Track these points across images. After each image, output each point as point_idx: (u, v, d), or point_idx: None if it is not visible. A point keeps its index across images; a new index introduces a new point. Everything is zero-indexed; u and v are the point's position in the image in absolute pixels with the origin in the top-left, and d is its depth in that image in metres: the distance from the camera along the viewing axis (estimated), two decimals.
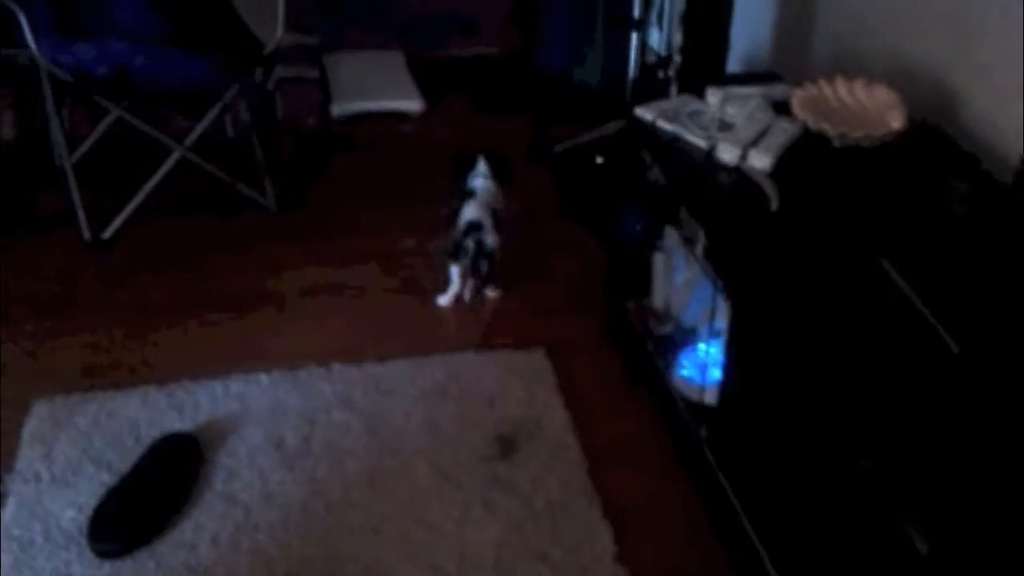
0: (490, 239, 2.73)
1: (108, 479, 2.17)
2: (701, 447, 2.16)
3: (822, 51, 2.76)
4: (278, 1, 2.92)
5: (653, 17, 3.41)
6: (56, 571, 1.98)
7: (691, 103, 2.34)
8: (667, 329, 2.51)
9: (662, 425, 2.36)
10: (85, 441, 2.28)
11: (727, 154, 2.12)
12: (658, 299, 2.56)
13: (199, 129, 2.96)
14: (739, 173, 2.11)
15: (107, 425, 2.32)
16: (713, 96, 2.32)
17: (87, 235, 2.95)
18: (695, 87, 2.40)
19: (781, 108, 2.24)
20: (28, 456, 2.24)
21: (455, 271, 2.78)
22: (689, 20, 2.91)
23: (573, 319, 2.76)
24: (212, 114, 2.96)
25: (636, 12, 3.33)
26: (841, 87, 2.28)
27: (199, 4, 3.04)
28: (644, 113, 2.32)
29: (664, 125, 2.28)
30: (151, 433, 2.29)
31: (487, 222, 2.72)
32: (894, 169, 2.03)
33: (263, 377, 2.48)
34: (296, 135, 3.62)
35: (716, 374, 2.28)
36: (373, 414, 2.39)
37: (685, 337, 2.44)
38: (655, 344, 2.47)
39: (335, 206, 3.28)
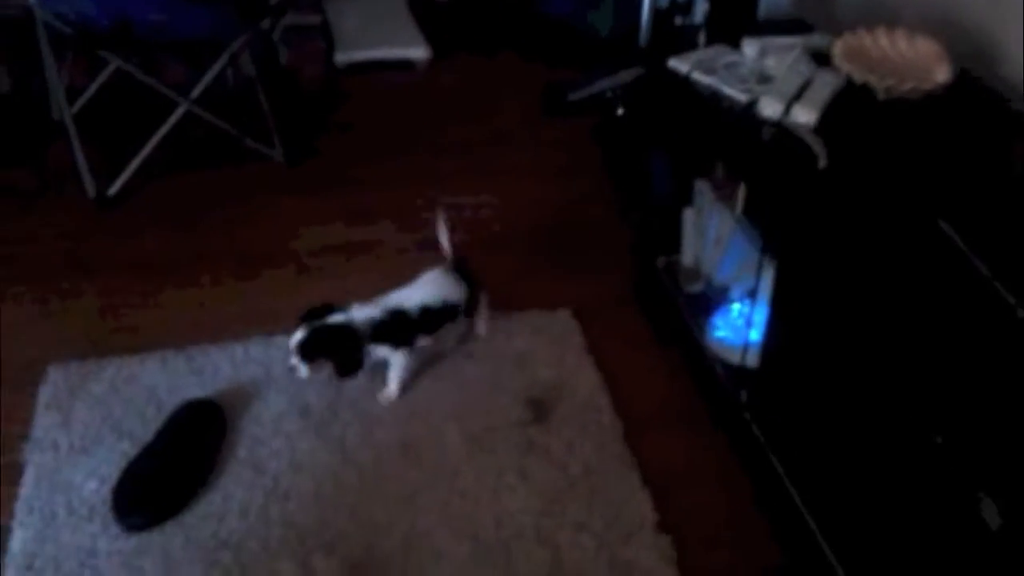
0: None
1: (129, 448, 2.10)
2: (740, 411, 2.11)
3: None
4: None
5: None
6: (81, 546, 1.91)
7: (726, 54, 2.25)
8: (698, 287, 2.44)
9: (696, 388, 2.30)
10: (103, 408, 2.20)
11: (769, 108, 2.04)
12: (688, 256, 2.49)
13: (205, 81, 2.85)
14: (781, 128, 2.03)
15: (125, 391, 2.25)
16: (750, 47, 2.23)
17: (92, 192, 2.85)
18: (727, 37, 2.31)
19: (820, 59, 2.16)
20: (44, 424, 2.16)
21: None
22: None
23: (598, 278, 2.69)
24: (218, 66, 2.85)
25: None
26: (883, 37, 2.19)
27: None
28: (678, 64, 2.23)
29: (700, 78, 2.19)
30: (171, 399, 2.22)
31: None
32: (944, 124, 1.96)
33: (283, 340, 2.38)
34: (300, 85, 3.50)
35: (754, 335, 2.22)
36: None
37: (718, 296, 2.38)
38: (687, 304, 2.41)
39: (344, 159, 3.18)
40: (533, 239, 2.84)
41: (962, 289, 1.49)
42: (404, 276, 2.61)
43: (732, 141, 2.10)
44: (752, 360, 2.14)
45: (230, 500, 2.01)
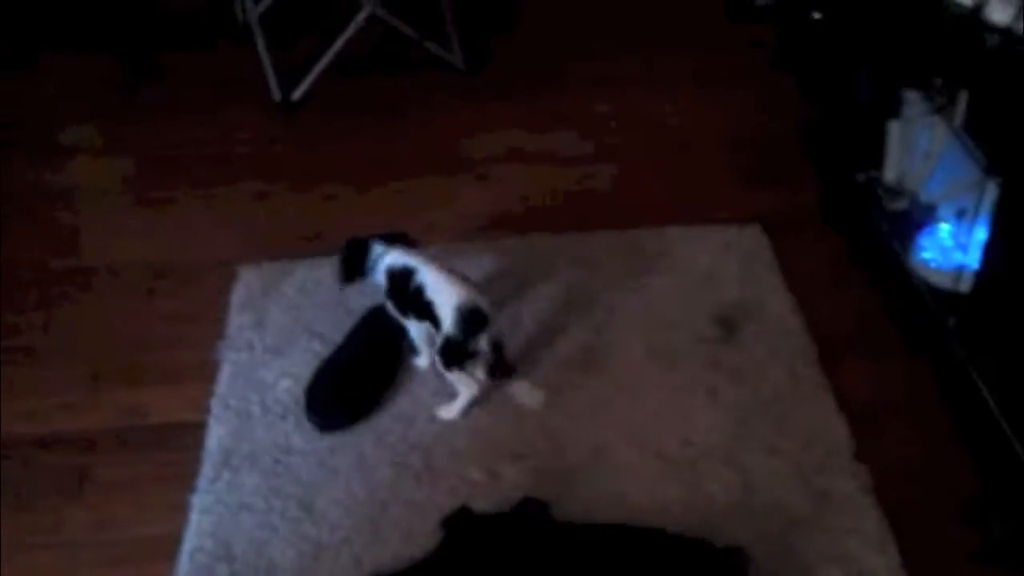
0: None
1: (320, 349, 2.14)
2: (948, 338, 1.99)
3: None
4: None
5: None
6: (276, 443, 1.96)
7: None
8: (902, 205, 2.30)
9: (895, 311, 2.18)
10: (295, 309, 2.24)
11: (999, 13, 1.86)
12: (891, 172, 2.34)
13: None
14: (1011, 35, 1.85)
15: (315, 293, 2.28)
16: None
17: (277, 95, 2.87)
18: None
19: None
20: (239, 324, 2.22)
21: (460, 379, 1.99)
22: None
23: (786, 191, 2.57)
24: None
25: None
26: None
27: None
28: None
29: None
30: (359, 303, 2.23)
31: (480, 294, 1.95)
32: None
33: (466, 246, 2.39)
34: None
35: (963, 258, 2.08)
36: (580, 288, 2.28)
37: (924, 215, 2.24)
38: (888, 222, 2.27)
39: (524, 62, 3.12)
40: (717, 149, 2.73)
41: None
42: (589, 185, 2.57)
43: (954, 48, 1.94)
44: (964, 285, 2.00)
45: (419, 404, 2.02)
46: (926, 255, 2.14)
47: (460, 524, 1.71)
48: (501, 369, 1.97)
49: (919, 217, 2.24)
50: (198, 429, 1.99)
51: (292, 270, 2.35)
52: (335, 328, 2.18)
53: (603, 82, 2.98)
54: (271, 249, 2.42)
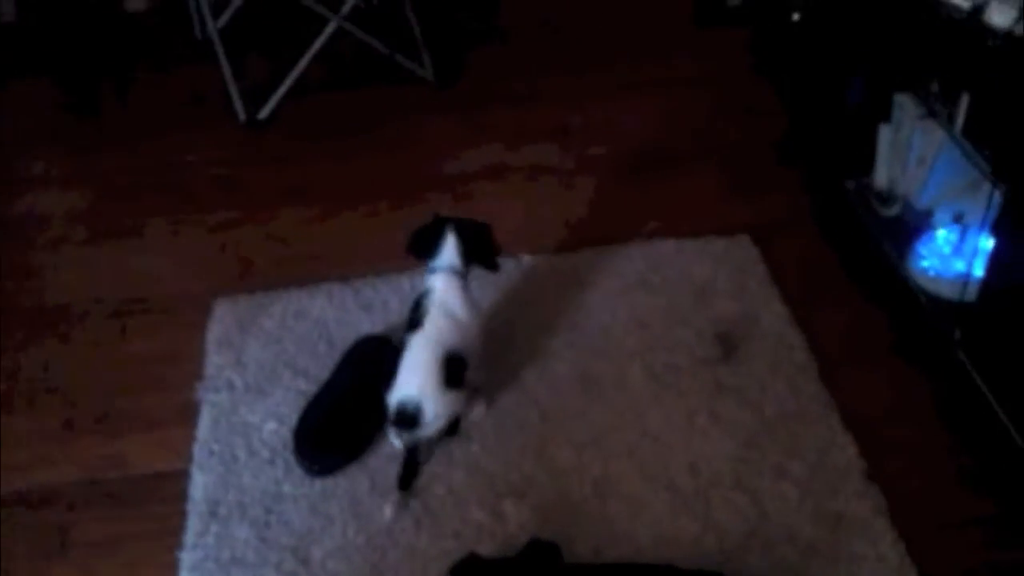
0: (429, 426, 1.84)
1: (305, 386, 2.05)
2: (953, 349, 1.94)
3: None
4: None
5: None
6: (265, 490, 1.87)
7: None
8: (893, 211, 2.26)
9: (895, 322, 2.14)
10: (275, 344, 2.15)
11: (999, 16, 1.82)
12: (882, 178, 2.30)
13: None
14: (1012, 39, 1.81)
15: (296, 327, 2.19)
16: None
17: (242, 115, 2.77)
18: None
19: None
20: (217, 363, 2.12)
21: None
22: None
23: (772, 200, 2.52)
24: None
25: None
26: None
27: None
28: None
29: None
30: (342, 335, 2.15)
31: (432, 397, 1.83)
32: None
33: None
34: None
35: (964, 266, 2.04)
36: (573, 310, 2.21)
37: (918, 221, 2.20)
38: (882, 230, 2.22)
39: (497, 76, 3.03)
40: (698, 158, 2.67)
41: None
42: (571, 201, 2.50)
43: (954, 52, 1.89)
44: (968, 294, 1.96)
45: None
46: (925, 263, 2.10)
47: (468, 572, 1.63)
48: (403, 480, 1.83)
49: (914, 223, 2.20)
50: (182, 478, 1.89)
51: (269, 303, 2.25)
52: (319, 364, 2.09)
53: (577, 95, 2.91)
54: (245, 280, 2.32)
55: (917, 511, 1.79)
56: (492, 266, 1.99)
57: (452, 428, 1.91)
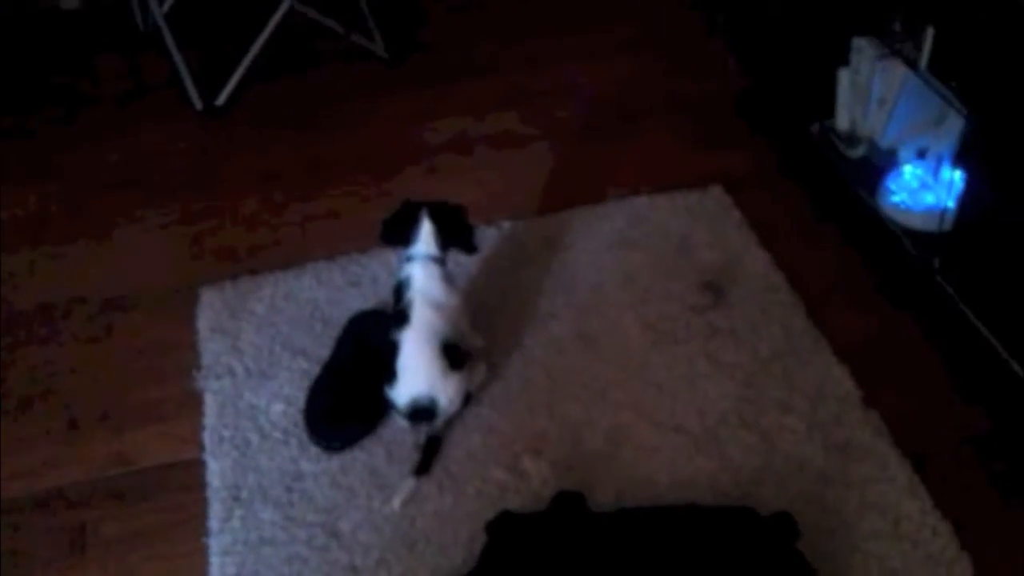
0: (444, 413, 1.88)
1: (307, 366, 2.05)
2: (933, 277, 2.02)
3: None
4: None
5: None
6: (284, 470, 1.87)
7: None
8: (859, 152, 2.34)
9: (873, 256, 2.22)
10: (269, 328, 2.14)
11: None
12: (844, 121, 2.38)
13: None
14: None
15: (287, 309, 2.18)
16: None
17: (199, 103, 2.73)
18: None
19: None
20: (213, 350, 2.10)
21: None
22: None
23: (736, 150, 2.58)
24: None
25: None
26: None
27: None
28: None
29: None
30: (336, 313, 2.15)
31: (442, 388, 1.85)
32: None
33: None
34: None
35: (934, 198, 2.13)
36: (561, 270, 2.24)
37: (883, 160, 2.28)
38: (850, 170, 2.30)
39: (448, 47, 3.04)
40: (659, 116, 2.72)
41: None
42: (541, 166, 2.53)
43: None
44: (944, 224, 2.04)
45: None
46: (896, 199, 2.18)
47: (503, 528, 1.66)
48: (422, 465, 1.84)
49: (880, 162, 2.28)
50: (196, 467, 1.89)
51: (256, 288, 2.24)
52: (316, 342, 2.10)
53: (532, 61, 2.93)
54: (227, 267, 2.30)
55: (917, 432, 1.87)
56: (470, 248, 1.98)
57: (464, 401, 1.93)
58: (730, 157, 2.54)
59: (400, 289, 1.91)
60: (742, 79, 2.77)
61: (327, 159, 2.62)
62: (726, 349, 2.05)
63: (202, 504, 1.82)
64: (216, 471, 1.88)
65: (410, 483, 1.82)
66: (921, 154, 2.21)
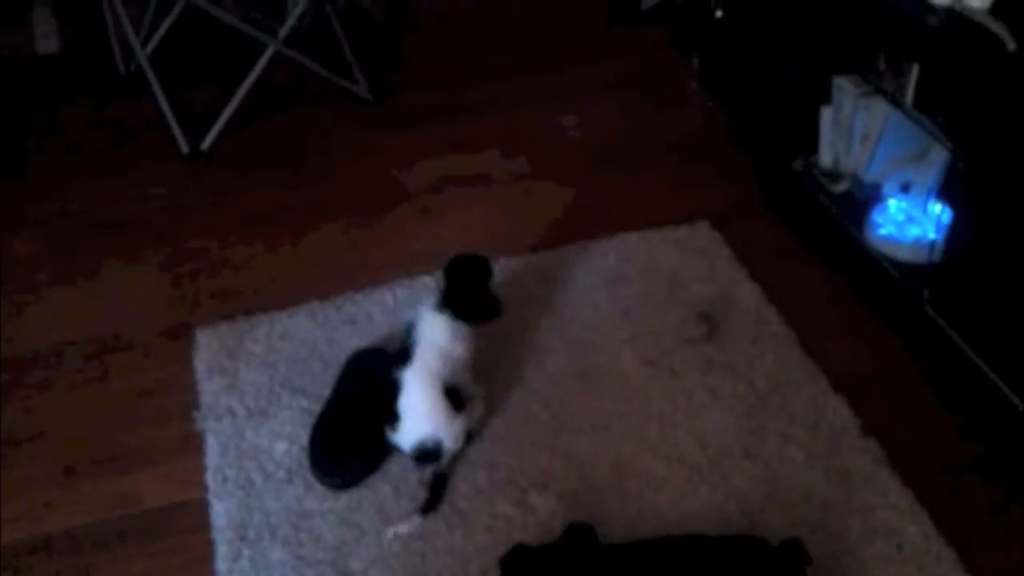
0: (449, 453, 1.89)
1: (308, 405, 2.04)
2: (923, 308, 2.07)
3: None
4: None
5: None
6: (290, 509, 1.86)
7: None
8: (842, 187, 2.40)
9: (862, 288, 2.27)
10: (268, 367, 2.14)
11: None
12: (827, 156, 2.44)
13: (292, 19, 2.73)
14: (953, 13, 1.96)
15: (284, 348, 2.18)
16: None
17: (185, 147, 2.73)
18: None
19: None
20: (212, 390, 2.09)
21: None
22: None
23: (718, 187, 2.64)
24: (304, 3, 2.72)
25: None
26: None
27: None
28: None
29: None
30: (334, 352, 2.16)
31: (447, 430, 1.87)
32: None
33: (427, 280, 2.33)
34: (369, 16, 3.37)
35: (920, 230, 2.19)
36: (556, 307, 2.27)
37: (867, 194, 2.34)
38: (835, 205, 2.36)
39: (427, 91, 3.07)
40: (639, 155, 2.78)
41: None
42: (530, 204, 2.56)
43: (901, 30, 2.03)
44: (933, 255, 2.10)
45: None
46: (883, 232, 2.23)
47: (517, 561, 1.66)
48: (429, 504, 1.84)
49: (863, 196, 2.34)
50: (199, 508, 1.87)
51: (252, 328, 2.24)
52: (316, 382, 2.09)
53: (517, 101, 2.98)
54: (221, 308, 2.30)
55: (915, 458, 1.91)
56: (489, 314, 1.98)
57: (467, 439, 1.94)
58: (715, 193, 2.59)
59: (410, 328, 1.91)
60: (725, 117, 2.83)
61: (316, 199, 2.63)
62: (724, 381, 2.08)
63: (208, 545, 1.80)
64: (221, 512, 1.86)
65: (415, 521, 1.82)
66: (905, 188, 2.27)
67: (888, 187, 2.29)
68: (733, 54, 2.82)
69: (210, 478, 1.92)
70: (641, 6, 3.33)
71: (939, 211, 2.12)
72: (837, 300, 2.28)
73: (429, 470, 1.88)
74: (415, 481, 1.89)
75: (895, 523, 1.80)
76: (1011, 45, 1.82)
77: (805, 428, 1.98)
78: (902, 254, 2.18)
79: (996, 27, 1.86)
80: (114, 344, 2.22)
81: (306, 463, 1.93)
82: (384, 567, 1.76)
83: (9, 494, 1.90)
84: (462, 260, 1.99)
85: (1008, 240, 1.85)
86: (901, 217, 2.24)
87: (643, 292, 2.29)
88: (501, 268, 2.33)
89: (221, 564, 1.77)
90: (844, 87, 2.32)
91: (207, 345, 2.19)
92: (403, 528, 1.81)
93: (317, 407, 2.03)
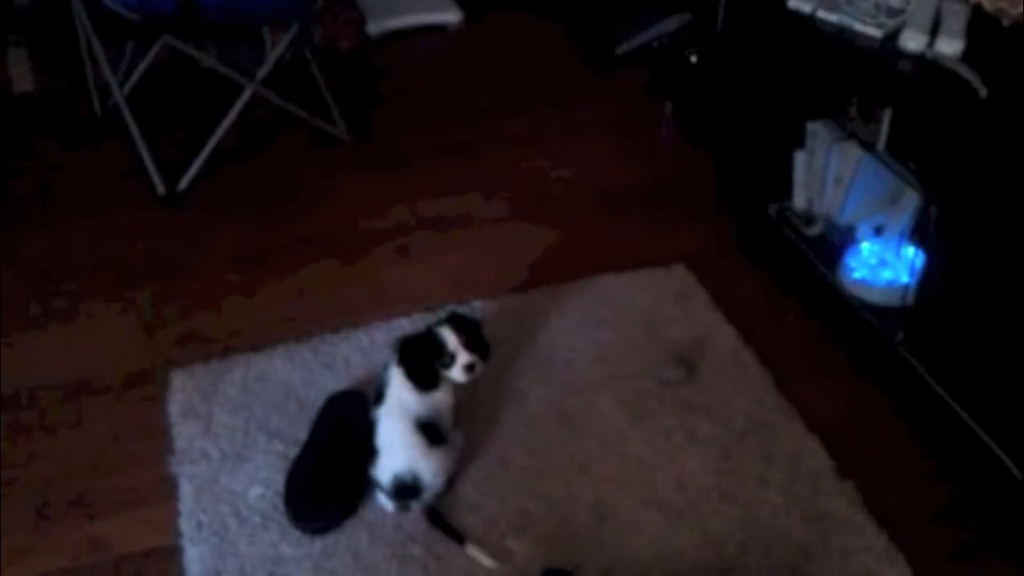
0: (430, 489, 1.88)
1: (284, 448, 2.03)
2: (897, 351, 2.09)
3: None
4: None
5: None
6: (264, 555, 1.84)
7: None
8: (816, 230, 2.42)
9: (837, 331, 2.28)
10: (244, 411, 2.12)
11: (912, 41, 2.01)
12: (801, 200, 2.47)
13: (270, 62, 2.73)
14: (924, 60, 2.00)
15: (260, 390, 2.17)
16: None
17: (161, 188, 2.72)
18: None
19: None
20: (186, 434, 2.07)
21: None
22: None
23: (694, 230, 2.65)
24: (282, 45, 2.73)
25: None
26: None
27: None
28: (800, 4, 2.20)
29: (827, 16, 2.15)
30: (310, 394, 2.14)
31: (423, 462, 1.85)
32: None
33: (404, 322, 2.33)
34: (337, 58, 3.38)
35: (892, 274, 2.21)
36: (534, 349, 2.27)
37: (841, 237, 2.36)
38: (810, 248, 2.38)
39: (405, 132, 3.08)
40: (615, 197, 2.79)
41: None
42: (508, 246, 2.57)
43: (873, 77, 2.07)
44: (906, 298, 2.12)
45: None
46: (857, 275, 2.25)
47: None
48: (456, 536, 1.85)
49: (837, 240, 2.36)
50: (173, 554, 1.84)
51: (228, 370, 2.22)
52: (292, 425, 2.08)
53: (490, 144, 3.00)
54: (196, 350, 2.28)
55: (892, 501, 1.92)
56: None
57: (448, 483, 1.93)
58: (691, 236, 2.62)
59: (385, 369, 1.91)
60: (700, 160, 2.86)
61: (293, 241, 2.62)
62: (701, 423, 2.08)
63: None
64: (195, 557, 1.84)
65: (470, 550, 1.82)
66: (878, 231, 2.30)
67: (862, 230, 2.32)
68: (708, 99, 2.85)
69: (184, 523, 1.90)
70: (615, 51, 3.35)
71: (912, 255, 2.15)
72: (813, 342, 2.29)
73: (416, 507, 1.87)
74: (391, 526, 1.87)
75: (872, 566, 1.81)
76: (983, 92, 1.86)
77: (782, 471, 1.98)
78: (875, 297, 2.19)
79: (968, 74, 1.90)
80: (88, 387, 2.20)
81: (282, 508, 1.91)
82: None
83: None
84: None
85: (980, 284, 1.88)
86: (874, 261, 2.26)
87: (620, 334, 2.30)
88: (477, 310, 2.35)
89: None
90: (817, 132, 2.35)
91: (182, 388, 2.18)
92: (480, 558, 1.81)
93: (293, 451, 2.01)
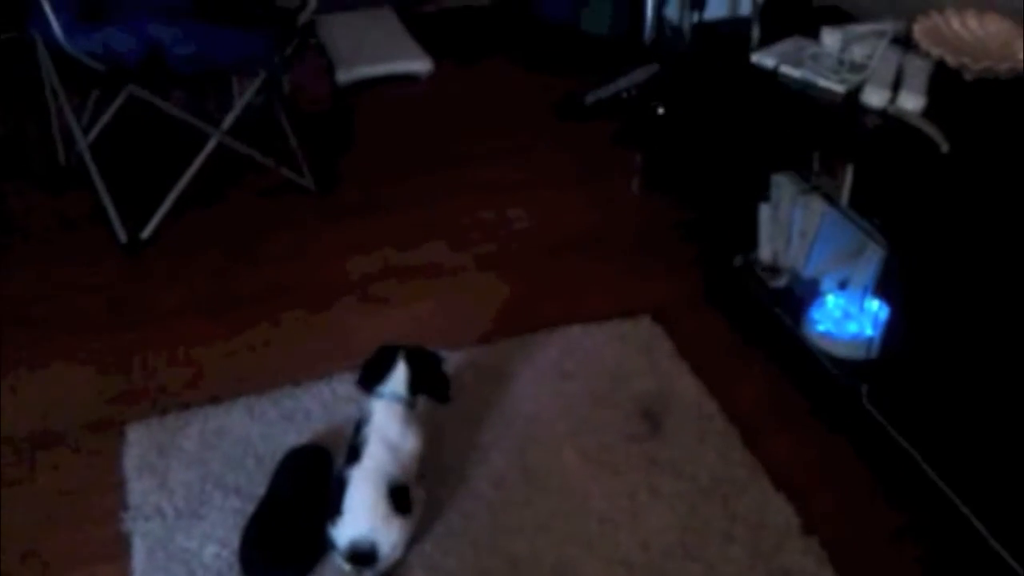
0: (387, 559, 1.83)
1: (240, 505, 1.99)
2: (862, 405, 2.08)
3: None
4: None
5: None
6: None
7: (807, 45, 2.24)
8: (780, 283, 2.42)
9: (802, 384, 2.27)
10: (200, 465, 2.08)
11: (875, 97, 2.03)
12: (766, 252, 2.47)
13: (236, 110, 2.72)
14: (887, 116, 2.01)
15: (219, 445, 2.13)
16: (831, 37, 2.22)
17: (123, 237, 2.69)
18: (781, 29, 2.30)
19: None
20: (140, 489, 2.03)
21: None
22: None
23: (662, 281, 2.65)
24: (249, 94, 2.72)
25: None
26: (954, 19, 2.21)
27: None
28: (763, 59, 2.21)
29: (790, 71, 2.17)
30: (269, 448, 2.11)
31: (385, 532, 1.80)
32: None
33: None
34: (305, 108, 3.37)
35: (857, 327, 2.21)
36: (498, 401, 2.25)
37: (805, 290, 2.36)
38: (775, 301, 2.38)
39: (373, 181, 3.07)
40: (583, 247, 2.79)
41: None
42: (474, 296, 2.55)
43: (836, 132, 2.08)
44: (870, 352, 2.12)
45: None
46: (821, 328, 2.25)
47: None
48: None
49: (802, 292, 2.36)
50: None
51: (185, 424, 2.18)
52: (250, 480, 2.04)
53: (457, 193, 2.99)
54: (154, 402, 2.24)
55: (857, 557, 1.90)
56: (443, 398, 1.99)
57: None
58: (658, 287, 2.61)
59: (359, 424, 1.88)
60: (667, 211, 2.87)
61: (256, 291, 2.60)
62: (665, 479, 2.06)
63: None
64: None
65: None
66: (842, 285, 2.30)
67: (826, 283, 2.32)
68: (675, 150, 2.86)
69: None
70: (584, 101, 3.37)
71: (876, 308, 2.15)
72: (779, 395, 2.28)
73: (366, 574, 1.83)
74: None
75: None
76: (944, 147, 1.87)
77: (747, 527, 1.96)
78: (840, 351, 2.19)
79: (929, 129, 1.92)
80: (43, 440, 2.15)
81: (237, 567, 1.86)
82: None
83: None
84: (411, 350, 1.97)
85: (943, 337, 1.87)
86: (838, 313, 2.26)
87: (585, 387, 2.28)
88: (446, 364, 2.31)
89: None
90: (782, 184, 2.36)
91: (137, 442, 2.13)
92: None
93: (250, 507, 1.97)
